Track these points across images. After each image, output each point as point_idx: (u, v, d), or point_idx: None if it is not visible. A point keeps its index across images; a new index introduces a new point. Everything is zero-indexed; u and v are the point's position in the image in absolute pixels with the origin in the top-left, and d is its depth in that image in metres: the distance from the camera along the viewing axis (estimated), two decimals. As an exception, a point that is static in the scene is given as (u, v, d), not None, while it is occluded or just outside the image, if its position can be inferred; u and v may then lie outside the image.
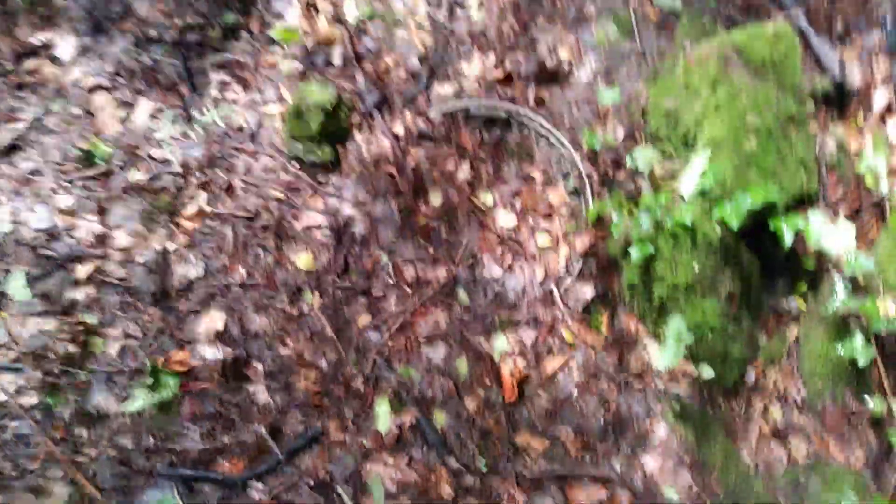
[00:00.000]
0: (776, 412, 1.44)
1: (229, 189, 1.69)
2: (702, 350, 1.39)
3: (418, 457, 1.48)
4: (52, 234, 1.67)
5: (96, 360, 1.57)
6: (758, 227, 1.43)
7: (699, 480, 1.38)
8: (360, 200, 1.66)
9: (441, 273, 1.60)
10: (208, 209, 1.67)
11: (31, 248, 1.66)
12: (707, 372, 1.34)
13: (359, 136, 1.71)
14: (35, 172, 1.75)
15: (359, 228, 1.64)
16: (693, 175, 1.49)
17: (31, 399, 1.54)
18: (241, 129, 1.74)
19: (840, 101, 1.59)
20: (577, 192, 1.63)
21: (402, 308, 1.58)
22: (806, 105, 1.54)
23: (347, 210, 1.66)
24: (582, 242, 1.59)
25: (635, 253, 1.37)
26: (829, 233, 1.41)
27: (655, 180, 1.62)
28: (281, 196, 1.67)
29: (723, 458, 1.38)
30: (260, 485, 1.48)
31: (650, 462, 1.40)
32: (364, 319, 1.58)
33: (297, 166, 1.69)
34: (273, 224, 1.65)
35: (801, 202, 1.48)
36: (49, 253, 1.65)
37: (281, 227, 1.65)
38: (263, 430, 1.49)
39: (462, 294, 1.59)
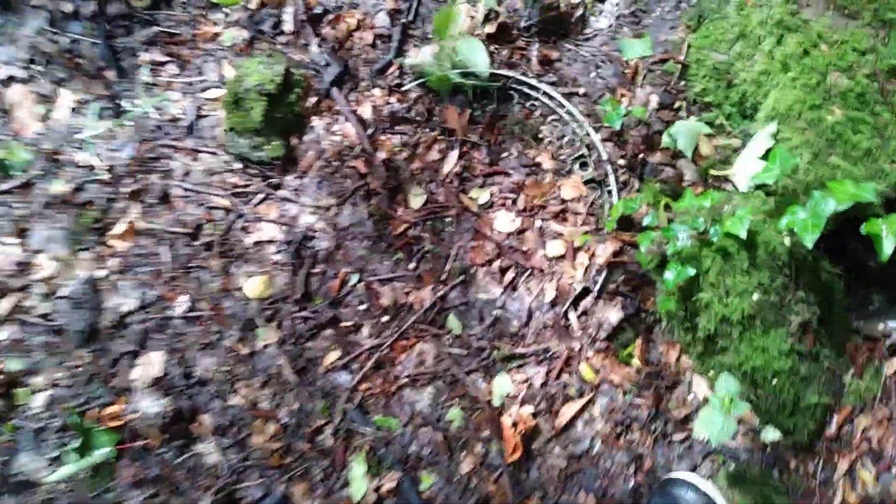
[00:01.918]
0: (866, 475, 1.12)
1: (165, 198, 1.44)
2: (764, 400, 1.07)
3: (401, 529, 1.24)
4: (-33, 263, 1.46)
5: (21, 414, 1.38)
6: (842, 227, 1.09)
7: (761, 574, 1.09)
8: (322, 206, 1.38)
9: (425, 295, 1.32)
10: (141, 225, 1.42)
11: (-55, 280, 1.46)
12: (771, 434, 1.04)
13: (317, 123, 1.42)
14: (-55, 187, 1.53)
15: (322, 242, 1.37)
16: (750, 161, 1.14)
17: (-51, 462, 1.37)
18: (176, 120, 1.47)
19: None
20: (597, 184, 1.30)
21: (377, 341, 1.31)
22: (917, 49, 1.15)
23: (307, 219, 1.38)
24: (605, 250, 1.28)
25: (670, 275, 1.05)
26: (948, 234, 1.05)
27: (702, 164, 1.27)
28: (226, 205, 1.41)
29: (794, 540, 1.08)
30: (214, 563, 1.28)
31: (696, 543, 1.12)
32: (331, 357, 1.33)
33: (242, 167, 1.41)
34: (218, 241, 1.39)
35: (908, 191, 1.11)
36: (-36, 286, 1.45)
37: (227, 245, 1.40)
38: (211, 499, 1.27)
39: (453, 321, 1.31)
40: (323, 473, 1.29)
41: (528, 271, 1.31)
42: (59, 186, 1.48)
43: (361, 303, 1.35)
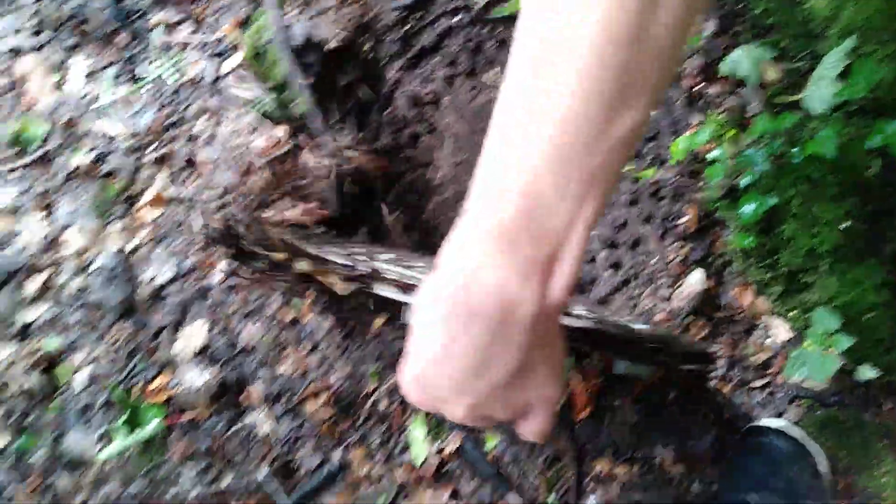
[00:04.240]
0: (967, 412, 1.07)
1: (191, 164, 1.39)
2: (857, 338, 1.02)
3: (467, 491, 1.22)
4: (-7, 242, 1.43)
5: (63, 393, 1.36)
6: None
7: (857, 521, 1.05)
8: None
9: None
10: (169, 192, 1.38)
11: (-28, 262, 1.43)
12: (867, 373, 0.99)
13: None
14: (-36, 166, 1.50)
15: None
16: (825, 81, 1.07)
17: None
18: (196, 81, 1.41)
19: None
20: (653, 122, 1.24)
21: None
22: None
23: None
24: (668, 190, 1.21)
25: (749, 209, 0.99)
26: None
27: (767, 91, 1.20)
28: (256, 166, 1.36)
29: None
30: (275, 535, 1.27)
31: (782, 492, 1.08)
32: (380, 318, 1.29)
33: (270, 125, 1.36)
34: (252, 205, 1.34)
35: None
36: (-8, 266, 1.42)
37: (260, 209, 1.35)
38: (266, 470, 1.25)
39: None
40: (380, 439, 1.27)
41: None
42: (79, 158, 1.44)
43: (408, 260, 1.31)
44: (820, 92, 1.09)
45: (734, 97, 1.22)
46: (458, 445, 1.23)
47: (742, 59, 1.21)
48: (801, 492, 1.00)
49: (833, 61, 1.08)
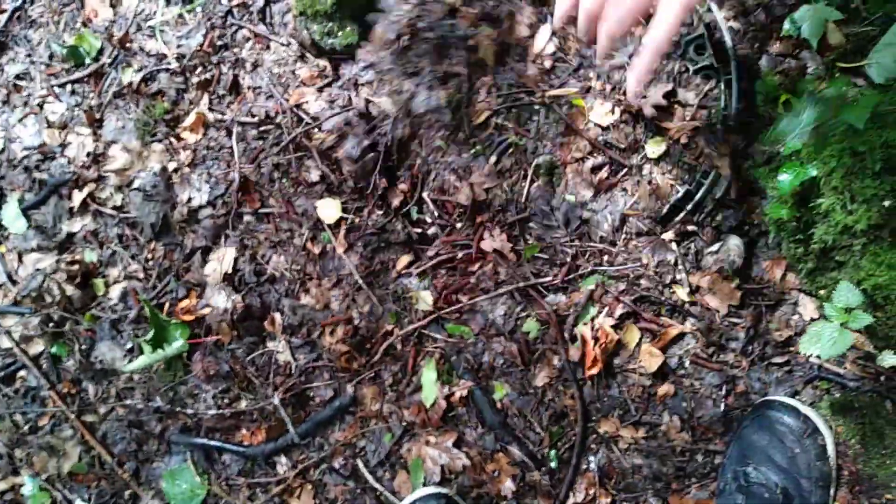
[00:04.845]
0: None
1: (235, 88, 1.45)
2: (884, 323, 1.01)
3: (471, 438, 1.27)
4: (44, 153, 1.53)
5: (98, 305, 1.47)
6: None
7: (862, 507, 1.06)
8: (395, 90, 1.35)
9: (501, 194, 1.29)
10: (211, 116, 1.44)
11: (24, 170, 1.54)
12: (890, 359, 0.97)
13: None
14: (22, 76, 1.60)
15: (397, 131, 1.35)
16: (893, 48, 1.03)
17: (36, 347, 1.48)
18: (248, 5, 1.45)
19: None
20: (714, 71, 1.22)
21: (459, 237, 1.31)
22: None
23: (383, 106, 1.36)
24: (717, 152, 1.20)
25: (786, 178, 0.98)
26: None
27: (830, 55, 1.16)
28: (297, 95, 1.41)
29: (905, 476, 1.04)
30: (284, 459, 1.35)
31: (790, 472, 1.09)
32: (404, 258, 1.34)
33: (314, 55, 1.40)
34: (288, 134, 1.40)
35: None
36: (42, 176, 1.53)
37: (298, 137, 1.40)
38: (281, 397, 1.33)
39: (533, 224, 1.28)
40: (393, 378, 1.32)
41: (625, 170, 1.25)
42: (129, 76, 1.51)
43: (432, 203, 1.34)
44: (884, 60, 1.06)
45: (793, 59, 1.19)
46: (466, 392, 1.27)
47: (807, 18, 1.17)
48: (803, 469, 1.01)
49: (900, 27, 1.04)
